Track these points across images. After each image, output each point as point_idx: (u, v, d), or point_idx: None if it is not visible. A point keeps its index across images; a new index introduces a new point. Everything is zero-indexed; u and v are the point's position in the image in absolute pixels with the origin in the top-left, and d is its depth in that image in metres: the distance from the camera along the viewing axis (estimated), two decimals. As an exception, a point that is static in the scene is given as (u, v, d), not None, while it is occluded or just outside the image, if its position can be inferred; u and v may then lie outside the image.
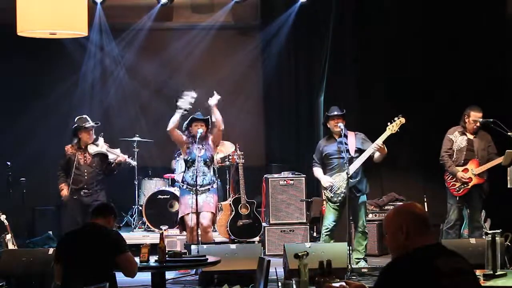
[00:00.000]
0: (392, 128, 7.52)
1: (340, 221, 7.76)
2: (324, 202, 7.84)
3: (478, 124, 7.73)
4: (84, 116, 7.94)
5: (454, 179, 7.74)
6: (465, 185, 7.70)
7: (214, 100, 7.63)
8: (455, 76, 9.24)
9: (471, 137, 7.81)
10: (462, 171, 7.72)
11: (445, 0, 9.46)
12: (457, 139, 7.82)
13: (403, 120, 7.53)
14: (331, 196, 7.67)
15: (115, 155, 7.87)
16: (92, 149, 7.81)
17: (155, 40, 10.80)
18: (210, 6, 10.62)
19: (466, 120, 7.79)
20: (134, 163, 7.98)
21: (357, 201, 7.67)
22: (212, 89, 7.83)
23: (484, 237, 7.65)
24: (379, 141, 7.50)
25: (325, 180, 7.71)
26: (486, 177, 7.82)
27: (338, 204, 7.66)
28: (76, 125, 7.87)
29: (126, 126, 10.17)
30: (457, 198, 7.76)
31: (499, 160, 7.63)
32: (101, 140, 7.86)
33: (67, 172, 7.81)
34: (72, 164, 7.73)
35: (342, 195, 7.60)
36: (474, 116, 7.73)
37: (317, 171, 7.87)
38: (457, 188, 7.73)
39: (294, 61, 10.64)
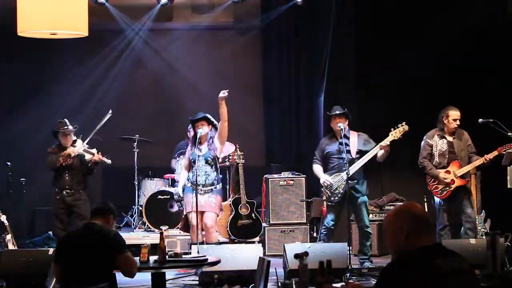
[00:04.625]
0: (395, 134, 7.53)
1: (340, 220, 7.79)
2: (324, 202, 7.86)
3: (458, 122, 7.73)
4: (64, 120, 8.11)
5: (436, 182, 7.70)
6: (448, 187, 7.67)
7: (222, 94, 7.60)
8: (455, 76, 9.24)
9: (450, 139, 7.76)
10: (444, 172, 7.70)
11: (445, 0, 9.46)
12: (437, 143, 7.76)
13: (406, 128, 7.54)
14: (329, 196, 7.70)
15: (91, 154, 8.01)
16: (74, 150, 7.98)
17: (155, 40, 10.80)
18: (210, 6, 10.61)
19: (445, 121, 7.75)
20: (108, 161, 8.14)
21: (357, 201, 7.69)
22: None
23: (483, 237, 7.66)
24: (379, 147, 7.54)
25: (323, 178, 7.75)
26: (469, 178, 7.80)
27: (335, 203, 7.68)
28: (55, 129, 8.07)
29: (126, 126, 10.16)
30: (441, 201, 7.73)
31: (480, 161, 7.62)
32: (79, 142, 8.06)
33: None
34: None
35: (340, 195, 7.63)
36: (454, 115, 7.72)
37: (317, 168, 7.90)
38: (440, 191, 7.69)
39: (294, 61, 10.64)
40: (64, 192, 7.94)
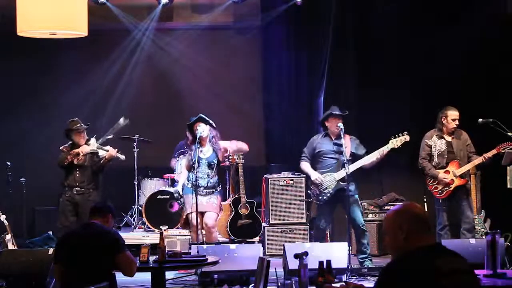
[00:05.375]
0: (395, 142, 7.55)
1: (331, 221, 7.83)
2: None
3: (457, 122, 7.74)
4: (76, 119, 8.12)
5: (436, 182, 7.72)
6: (448, 187, 7.68)
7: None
8: (455, 76, 9.24)
9: (449, 139, 7.79)
10: (443, 172, 7.70)
11: (445, 0, 9.46)
12: (435, 143, 7.79)
13: (407, 138, 7.56)
14: (317, 194, 7.72)
15: (105, 151, 8.04)
16: (85, 149, 8.00)
17: (154, 41, 10.79)
18: (210, 6, 10.61)
19: (444, 121, 7.78)
20: (122, 157, 8.17)
21: (349, 201, 7.70)
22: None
23: (483, 237, 7.66)
24: (379, 153, 7.55)
25: (315, 175, 7.79)
26: (468, 177, 7.81)
27: (324, 204, 7.71)
28: (67, 128, 8.05)
29: (126, 126, 10.16)
30: (441, 201, 7.74)
31: (479, 160, 7.66)
32: (93, 140, 8.09)
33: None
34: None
35: (329, 195, 7.67)
36: (453, 115, 7.75)
37: (306, 165, 7.96)
38: (440, 191, 7.71)
39: (294, 61, 10.62)
40: (74, 191, 7.88)
